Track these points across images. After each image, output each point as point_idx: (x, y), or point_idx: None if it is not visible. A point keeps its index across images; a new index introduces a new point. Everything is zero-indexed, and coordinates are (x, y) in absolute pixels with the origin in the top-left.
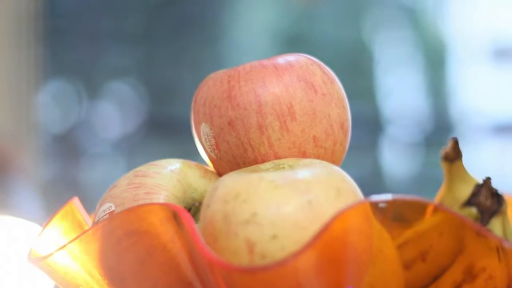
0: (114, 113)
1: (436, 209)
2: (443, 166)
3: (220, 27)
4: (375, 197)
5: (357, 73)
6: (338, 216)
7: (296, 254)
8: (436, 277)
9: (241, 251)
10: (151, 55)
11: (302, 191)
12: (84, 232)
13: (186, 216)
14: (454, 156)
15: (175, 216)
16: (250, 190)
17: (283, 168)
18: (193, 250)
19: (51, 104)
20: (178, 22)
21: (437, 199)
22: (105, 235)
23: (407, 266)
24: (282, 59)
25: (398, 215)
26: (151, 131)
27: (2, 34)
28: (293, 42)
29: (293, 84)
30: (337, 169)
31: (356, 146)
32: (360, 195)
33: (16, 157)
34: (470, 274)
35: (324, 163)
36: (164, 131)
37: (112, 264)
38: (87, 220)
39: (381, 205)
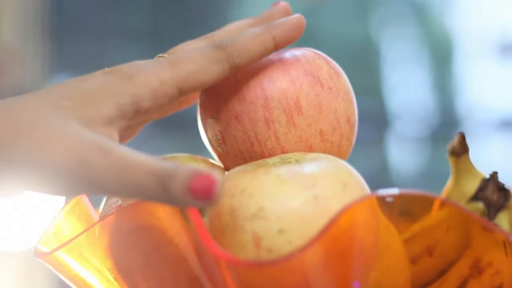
0: None
1: (443, 203)
2: (450, 161)
3: (226, 22)
4: (382, 192)
5: (363, 68)
6: (345, 211)
7: (303, 249)
8: (442, 272)
9: (248, 245)
10: (158, 51)
11: (309, 185)
12: (91, 226)
13: (193, 211)
14: (461, 150)
15: (181, 211)
16: (256, 185)
17: (290, 162)
18: (200, 244)
19: None
20: (184, 18)
21: (444, 193)
22: (112, 229)
23: (414, 260)
24: (289, 54)
25: (404, 210)
26: (158, 125)
27: (9, 30)
28: (300, 38)
29: (299, 78)
30: (343, 163)
31: (362, 142)
32: (366, 189)
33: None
34: (477, 269)
35: (331, 157)
36: (171, 125)
37: (119, 258)
38: (94, 215)
39: (388, 199)
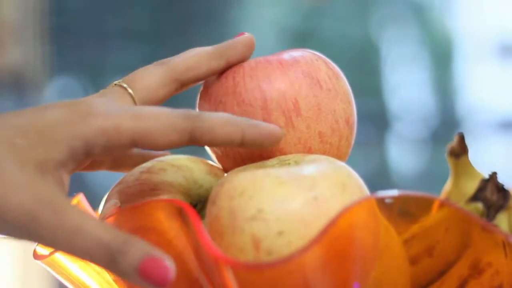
0: None
1: (442, 204)
2: (449, 162)
3: (227, 24)
4: (381, 193)
5: (364, 69)
6: (344, 212)
7: (302, 250)
8: (442, 272)
9: (247, 247)
10: (158, 53)
11: (308, 187)
12: None
13: (192, 213)
14: (460, 151)
15: (180, 213)
16: (255, 187)
17: (289, 164)
18: (199, 247)
19: (58, 100)
20: (184, 19)
21: (443, 194)
22: None
23: (413, 261)
24: (288, 55)
25: (404, 211)
26: None
27: (10, 31)
28: (300, 39)
29: (298, 79)
30: (342, 164)
31: (362, 143)
32: (365, 191)
33: None
34: (477, 269)
35: (330, 159)
36: None
37: None
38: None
39: (387, 201)
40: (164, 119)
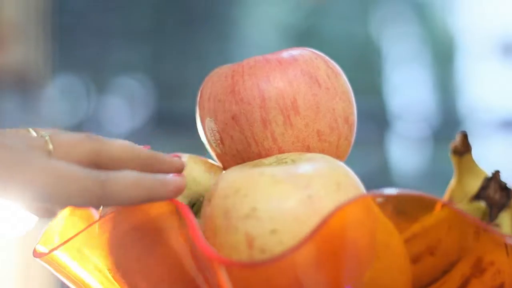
0: (122, 108)
1: (443, 205)
2: (452, 160)
3: (229, 22)
4: (376, 192)
5: (365, 68)
6: (337, 211)
7: (294, 249)
8: (444, 271)
9: (241, 245)
10: (159, 51)
11: (302, 185)
12: (90, 225)
13: (186, 212)
14: (463, 149)
15: (177, 211)
16: (250, 185)
17: (286, 162)
18: (193, 245)
19: (60, 99)
20: (186, 17)
21: (447, 192)
22: (111, 229)
23: (415, 260)
24: (287, 54)
25: (402, 210)
26: (159, 126)
27: (12, 30)
28: (302, 38)
29: (297, 78)
30: (339, 163)
31: (364, 142)
32: (362, 189)
33: None
34: (479, 269)
35: (327, 157)
36: (172, 125)
37: (118, 257)
38: (96, 215)
39: (382, 200)
40: (79, 182)
